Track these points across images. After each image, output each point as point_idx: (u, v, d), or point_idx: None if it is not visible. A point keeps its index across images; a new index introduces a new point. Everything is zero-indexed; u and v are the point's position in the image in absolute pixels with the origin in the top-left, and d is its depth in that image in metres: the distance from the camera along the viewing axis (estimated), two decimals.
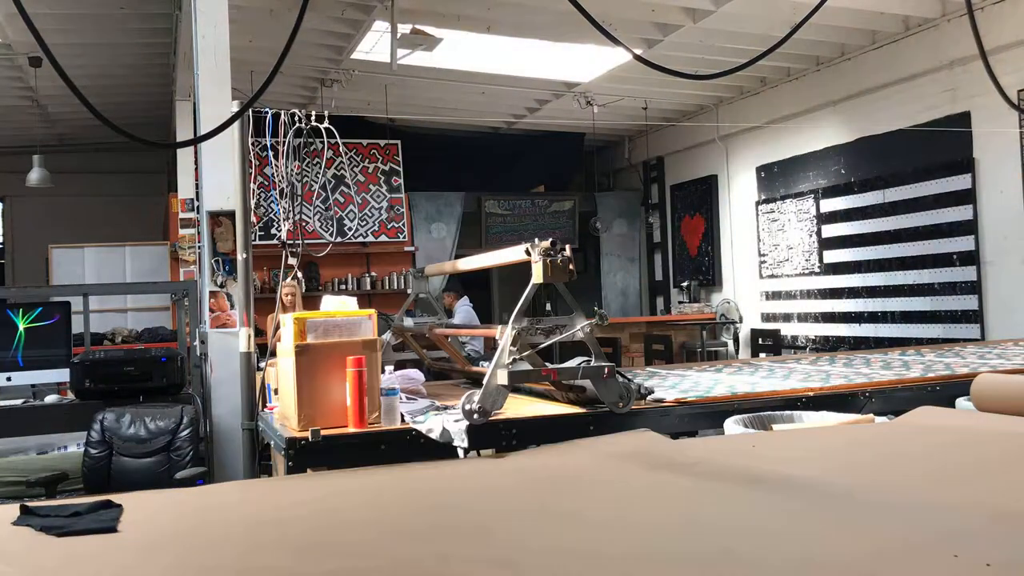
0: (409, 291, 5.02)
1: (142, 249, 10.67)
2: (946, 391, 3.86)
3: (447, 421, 3.11)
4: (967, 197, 7.49)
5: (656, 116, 11.04)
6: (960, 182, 7.56)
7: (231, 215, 4.48)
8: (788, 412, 3.53)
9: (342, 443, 3.01)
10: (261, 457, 3.96)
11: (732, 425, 3.38)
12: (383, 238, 10.81)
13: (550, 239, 3.20)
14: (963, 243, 7.53)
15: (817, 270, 9.27)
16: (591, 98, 9.88)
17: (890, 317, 8.30)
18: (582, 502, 2.27)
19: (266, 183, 5.14)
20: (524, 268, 3.29)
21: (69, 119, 10.35)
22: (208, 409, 4.69)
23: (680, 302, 11.56)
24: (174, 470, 4.27)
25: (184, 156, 9.11)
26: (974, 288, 7.43)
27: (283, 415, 3.36)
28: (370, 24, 7.49)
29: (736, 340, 10.68)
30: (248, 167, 4.13)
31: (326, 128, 4.39)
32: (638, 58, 4.26)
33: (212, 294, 4.80)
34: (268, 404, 3.80)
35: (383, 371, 3.30)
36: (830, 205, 9.09)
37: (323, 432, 2.95)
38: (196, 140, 4.62)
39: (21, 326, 5.10)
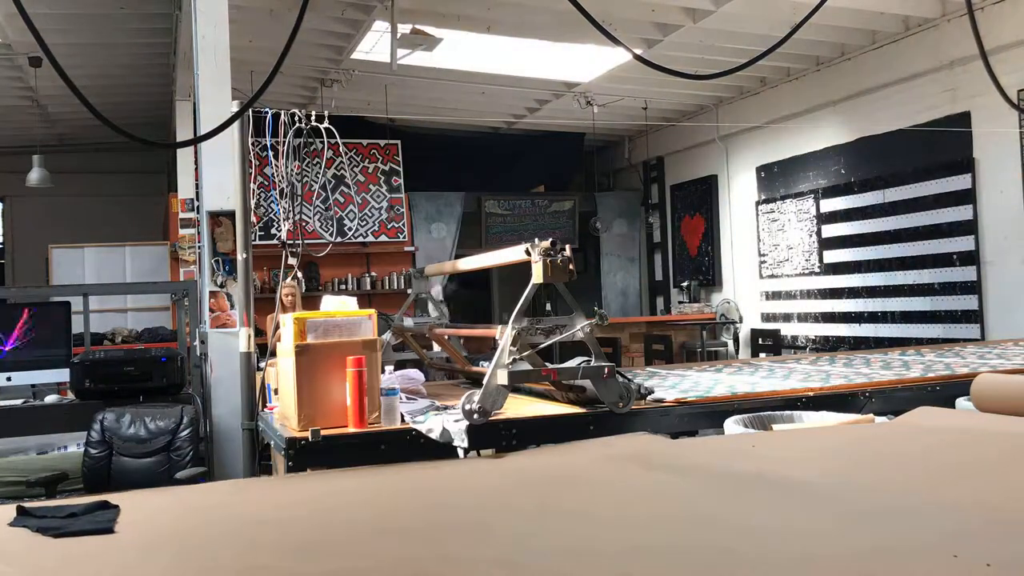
0: (409, 291, 5.02)
1: (142, 249, 10.67)
2: (946, 391, 3.86)
3: (447, 421, 3.11)
4: (967, 197, 7.49)
5: (656, 116, 11.04)
6: (960, 182, 7.56)
7: (231, 215, 4.48)
8: (788, 412, 3.53)
9: (342, 443, 3.01)
10: (261, 457, 3.96)
11: (732, 425, 3.38)
12: (383, 238, 10.81)
13: (550, 239, 3.20)
14: (963, 243, 7.53)
15: (817, 270, 9.27)
16: (591, 98, 9.88)
17: (890, 317, 8.30)
18: (582, 502, 2.27)
19: (266, 183, 5.15)
20: (524, 268, 3.29)
21: (69, 119, 10.35)
22: (208, 409, 4.69)
23: (680, 302, 11.56)
24: (174, 470, 4.27)
25: (184, 156, 9.11)
26: (974, 288, 7.43)
27: (283, 415, 3.36)
28: (370, 24, 7.49)
29: (736, 340, 10.68)
30: (248, 167, 4.13)
31: (326, 128, 4.40)
32: (638, 58, 4.26)
33: (212, 294, 4.80)
34: (268, 404, 3.80)
35: (383, 371, 3.30)
36: (830, 205, 9.09)
37: (323, 432, 2.95)
38: (196, 140, 4.62)
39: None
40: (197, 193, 8.24)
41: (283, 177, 4.44)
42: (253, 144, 4.37)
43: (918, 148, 7.93)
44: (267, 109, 4.31)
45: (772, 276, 10.04)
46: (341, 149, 9.91)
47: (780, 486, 2.29)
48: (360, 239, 10.68)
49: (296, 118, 4.33)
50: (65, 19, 7.35)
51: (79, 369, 4.86)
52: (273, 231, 9.13)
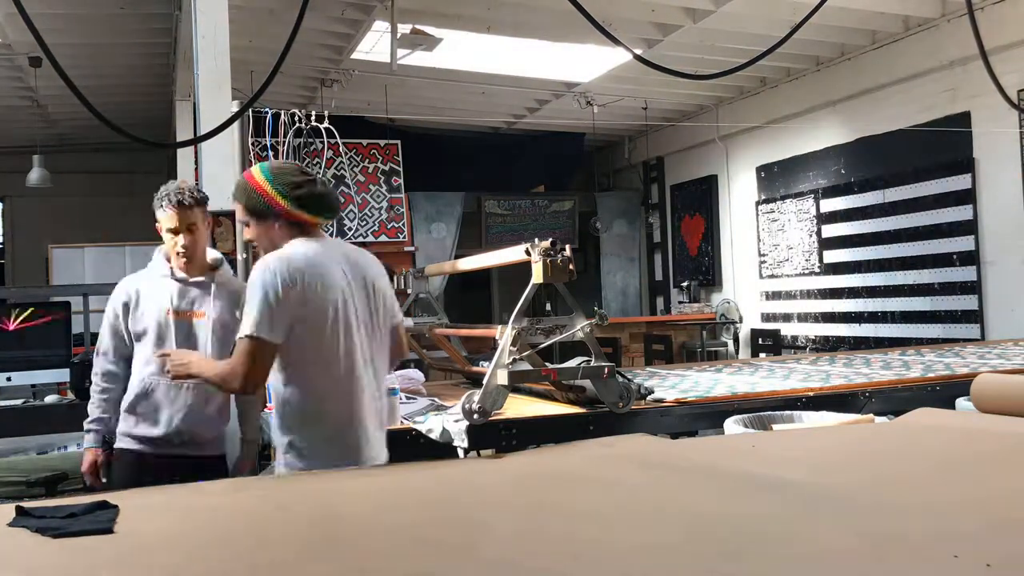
0: (409, 291, 5.02)
1: (142, 249, 10.65)
2: (946, 391, 3.86)
3: (447, 421, 3.11)
4: (967, 197, 7.49)
5: (656, 116, 11.04)
6: (960, 182, 7.56)
7: (231, 215, 4.48)
8: (788, 412, 3.53)
9: None
10: (261, 457, 3.95)
11: (732, 425, 3.38)
12: (383, 238, 10.81)
13: (550, 239, 3.20)
14: (963, 243, 7.53)
15: (817, 270, 9.28)
16: (591, 98, 9.88)
17: (890, 317, 8.30)
18: (582, 502, 2.27)
19: None
20: (524, 268, 3.29)
21: (69, 119, 10.35)
22: None
23: (680, 302, 11.56)
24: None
25: (184, 156, 9.09)
26: (974, 288, 7.43)
27: None
28: (370, 24, 7.49)
29: (736, 340, 10.68)
30: (248, 167, 4.13)
31: (326, 128, 4.41)
32: (638, 58, 4.27)
33: None
34: (268, 404, 3.79)
35: None
36: (830, 205, 9.09)
37: None
38: (196, 140, 4.62)
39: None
40: None
41: None
42: (253, 144, 4.37)
43: (918, 148, 7.93)
44: (267, 109, 4.32)
45: (772, 276, 10.04)
46: (341, 149, 9.91)
47: (780, 486, 2.29)
48: (360, 239, 10.67)
49: (296, 118, 4.34)
50: (65, 19, 7.34)
51: (79, 369, 4.85)
52: None
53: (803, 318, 9.56)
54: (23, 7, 2.62)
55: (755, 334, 10.26)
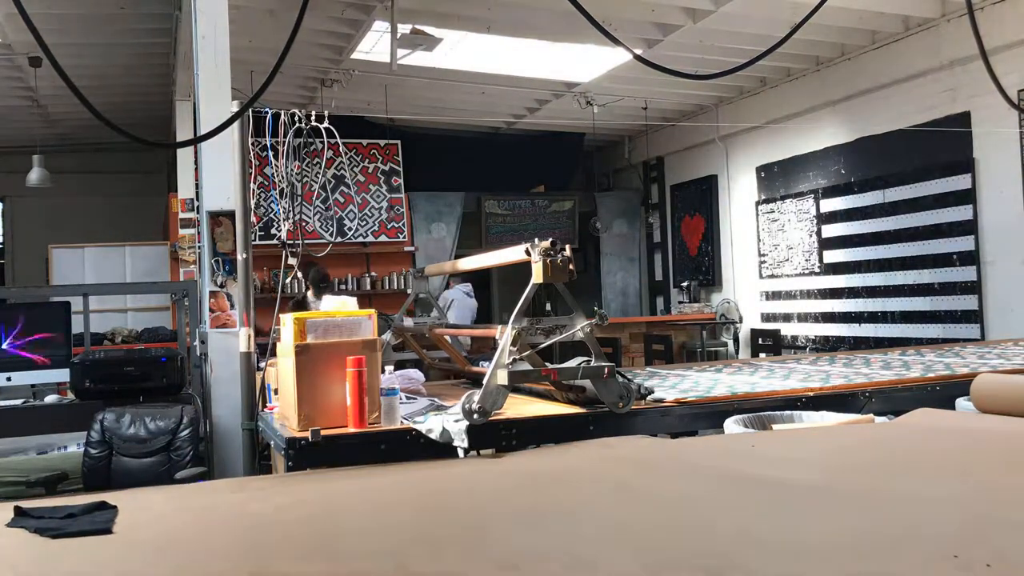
0: (409, 291, 5.02)
1: (142, 249, 10.67)
2: (946, 391, 3.86)
3: (447, 421, 3.11)
4: (967, 197, 7.49)
5: (656, 116, 11.04)
6: (960, 182, 7.56)
7: (231, 215, 4.48)
8: (788, 412, 3.53)
9: (342, 443, 3.01)
10: (261, 457, 3.96)
11: (732, 425, 3.38)
12: (383, 238, 10.81)
13: (550, 239, 3.20)
14: (963, 243, 7.53)
15: (817, 270, 9.27)
16: (591, 98, 9.88)
17: (890, 317, 8.30)
18: (582, 502, 2.27)
19: (266, 183, 5.14)
20: (524, 268, 3.29)
21: (69, 119, 10.35)
22: (208, 409, 4.69)
23: (680, 302, 11.56)
24: (174, 470, 4.27)
25: (184, 156, 9.11)
26: (974, 288, 7.43)
27: (283, 415, 3.36)
28: (370, 24, 7.49)
29: (736, 340, 10.68)
30: (248, 167, 4.13)
31: (326, 128, 4.40)
32: (638, 58, 4.26)
33: (212, 294, 4.80)
34: (268, 404, 3.80)
35: (383, 371, 3.30)
36: (830, 205, 9.09)
37: (323, 432, 2.95)
38: (196, 140, 4.62)
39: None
40: (197, 193, 8.24)
41: (283, 177, 4.44)
42: (253, 144, 4.37)
43: (918, 148, 7.93)
44: (267, 109, 4.31)
45: (772, 276, 10.04)
46: (341, 149, 9.91)
47: (779, 486, 2.29)
48: (360, 239, 10.68)
49: (296, 118, 4.33)
50: (65, 19, 7.34)
51: (79, 369, 4.86)
52: (273, 231, 9.12)
53: (803, 318, 9.56)
54: (23, 7, 2.62)
55: (755, 334, 10.25)
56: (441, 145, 11.51)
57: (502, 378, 3.13)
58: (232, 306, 4.75)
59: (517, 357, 3.18)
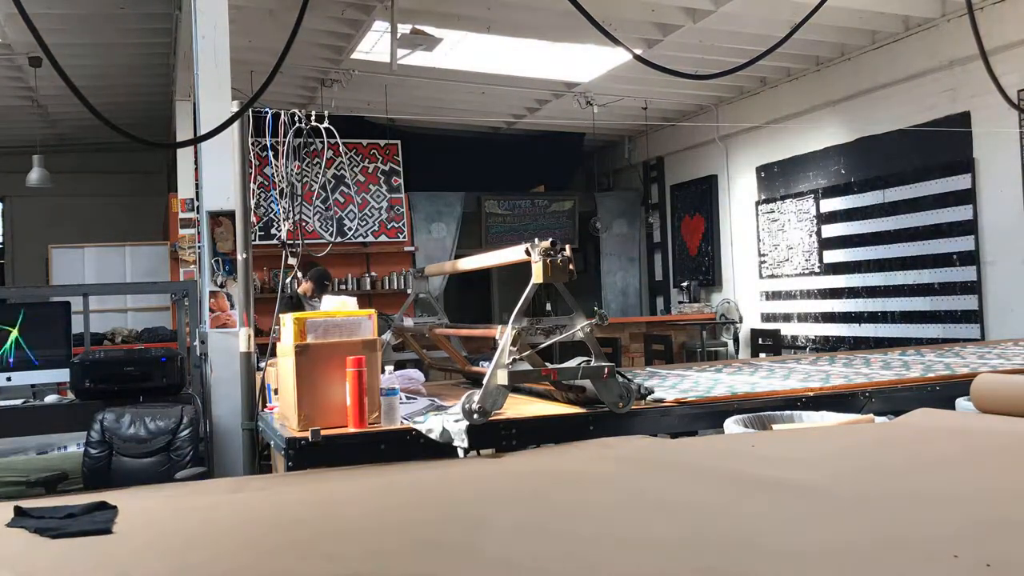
0: (409, 291, 5.02)
1: (142, 249, 10.67)
2: (946, 391, 3.86)
3: (447, 421, 3.11)
4: (967, 197, 7.49)
5: (656, 116, 11.04)
6: (960, 182, 7.56)
7: (231, 215, 4.48)
8: (788, 412, 3.53)
9: (342, 443, 3.01)
10: (261, 457, 3.96)
11: (732, 425, 3.38)
12: (383, 238, 10.81)
13: (550, 239, 3.20)
14: (963, 243, 7.53)
15: (817, 270, 9.28)
16: (591, 98, 9.88)
17: (890, 317, 8.30)
18: (582, 503, 2.27)
19: (266, 183, 5.14)
20: (524, 268, 3.29)
21: (69, 119, 10.35)
22: (208, 409, 4.69)
23: (680, 302, 11.56)
24: (174, 470, 4.27)
25: (184, 156, 9.11)
26: (974, 288, 7.43)
27: (283, 415, 3.36)
28: (370, 24, 7.49)
29: (736, 340, 10.68)
30: (248, 167, 4.13)
31: (326, 128, 4.40)
32: (638, 58, 4.26)
33: (212, 294, 4.80)
34: (268, 404, 3.80)
35: (383, 371, 3.30)
36: (830, 205, 9.09)
37: (323, 432, 2.95)
38: (196, 140, 4.61)
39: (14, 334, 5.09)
40: (197, 193, 8.24)
41: (283, 177, 4.44)
42: (253, 144, 4.37)
43: (918, 148, 7.93)
44: (267, 109, 4.31)
45: (772, 276, 10.04)
46: (341, 149, 9.91)
47: (779, 486, 2.29)
48: (360, 239, 10.68)
49: (296, 118, 4.33)
50: (65, 19, 7.34)
51: (79, 369, 4.85)
52: (273, 231, 9.13)
53: (803, 318, 9.56)
54: (23, 7, 2.62)
55: (755, 334, 10.25)
56: (441, 145, 11.51)
57: (502, 378, 3.13)
58: (232, 306, 4.75)
59: (517, 357, 3.18)
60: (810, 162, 9.38)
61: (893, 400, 3.82)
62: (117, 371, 4.87)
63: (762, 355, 9.46)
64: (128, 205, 12.14)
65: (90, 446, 4.41)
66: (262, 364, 4.06)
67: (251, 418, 3.90)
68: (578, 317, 3.32)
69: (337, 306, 3.47)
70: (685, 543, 1.84)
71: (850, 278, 8.80)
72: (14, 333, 5.08)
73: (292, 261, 4.38)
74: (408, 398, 3.61)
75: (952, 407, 3.63)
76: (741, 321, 10.59)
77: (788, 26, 4.46)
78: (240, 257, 4.12)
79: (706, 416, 3.59)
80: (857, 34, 8.19)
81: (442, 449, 3.04)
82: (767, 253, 10.11)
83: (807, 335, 9.48)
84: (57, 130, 10.89)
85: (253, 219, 4.50)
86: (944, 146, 7.60)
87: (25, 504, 2.19)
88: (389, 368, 3.57)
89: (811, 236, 9.35)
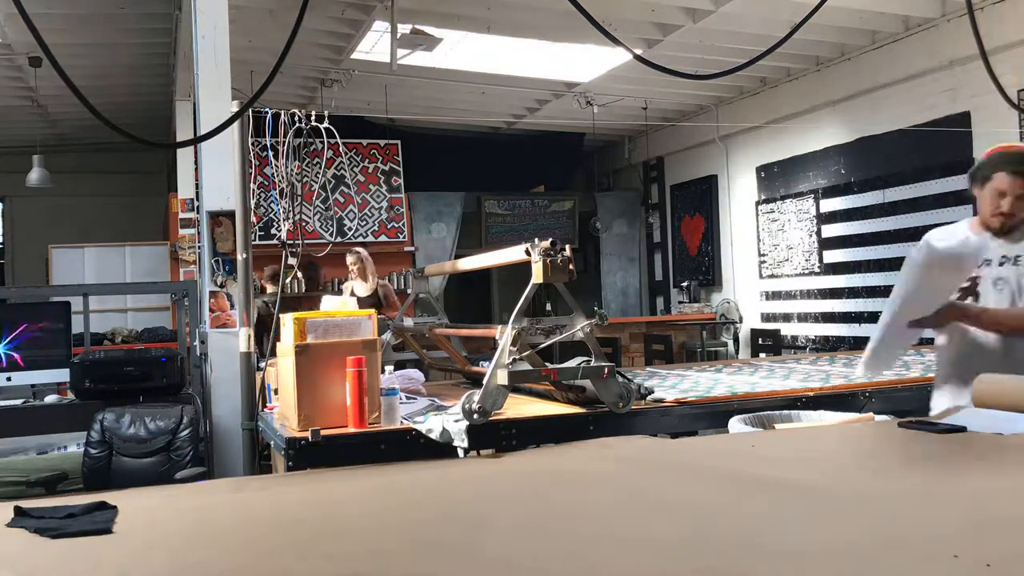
0: (409, 291, 5.02)
1: (142, 249, 10.67)
2: None
3: (447, 421, 3.11)
4: (967, 197, 7.48)
5: (656, 116, 11.04)
6: (960, 182, 7.56)
7: (231, 215, 4.48)
8: (788, 412, 3.53)
9: (342, 443, 3.01)
10: (261, 457, 3.96)
11: (736, 424, 3.38)
12: (383, 238, 10.81)
13: (550, 239, 3.20)
14: None
15: (817, 270, 9.27)
16: (591, 98, 9.88)
17: None
18: (582, 503, 2.27)
19: (266, 183, 5.15)
20: (524, 268, 3.29)
21: (69, 119, 10.35)
22: (208, 409, 4.69)
23: (680, 302, 11.56)
24: (174, 470, 4.27)
25: (184, 156, 9.11)
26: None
27: (283, 415, 3.36)
28: (370, 24, 7.49)
29: (736, 340, 10.68)
30: (248, 167, 4.13)
31: (326, 128, 4.40)
32: (638, 58, 4.26)
33: (212, 294, 4.80)
34: (268, 404, 3.80)
35: (383, 371, 3.30)
36: (830, 205, 9.09)
37: (323, 432, 2.95)
38: (196, 140, 4.62)
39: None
40: (197, 193, 8.24)
41: (283, 177, 4.44)
42: (253, 144, 4.37)
43: (918, 148, 7.93)
44: (267, 109, 4.31)
45: (772, 276, 10.04)
46: (341, 149, 9.91)
47: (779, 486, 2.29)
48: (360, 239, 10.67)
49: (296, 118, 4.33)
50: (65, 19, 7.35)
51: (79, 369, 4.85)
52: (273, 231, 9.13)
53: (803, 318, 9.55)
54: (23, 7, 2.62)
55: (755, 334, 10.25)
56: (441, 145, 11.51)
57: (502, 378, 3.13)
58: (232, 306, 4.75)
59: (517, 357, 3.18)
60: (810, 162, 9.38)
61: (893, 400, 3.82)
62: (117, 371, 4.88)
63: (762, 355, 9.46)
64: (128, 205, 12.14)
65: (90, 446, 4.41)
66: (262, 364, 4.06)
67: (251, 418, 3.90)
68: (578, 317, 3.32)
69: (337, 306, 3.47)
70: (685, 543, 1.84)
71: (850, 278, 8.80)
72: None
73: (292, 261, 4.38)
74: (408, 398, 3.61)
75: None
76: (741, 321, 10.59)
77: (788, 26, 4.46)
78: (240, 257, 4.12)
79: (706, 416, 3.59)
80: (857, 34, 8.19)
81: (442, 449, 3.04)
82: (767, 253, 10.11)
83: (807, 335, 9.47)
84: (57, 130, 10.89)
85: (253, 219, 4.50)
86: (944, 146, 7.60)
87: (25, 504, 2.19)
88: (389, 368, 3.57)
89: (811, 236, 9.35)
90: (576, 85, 9.62)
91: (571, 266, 3.17)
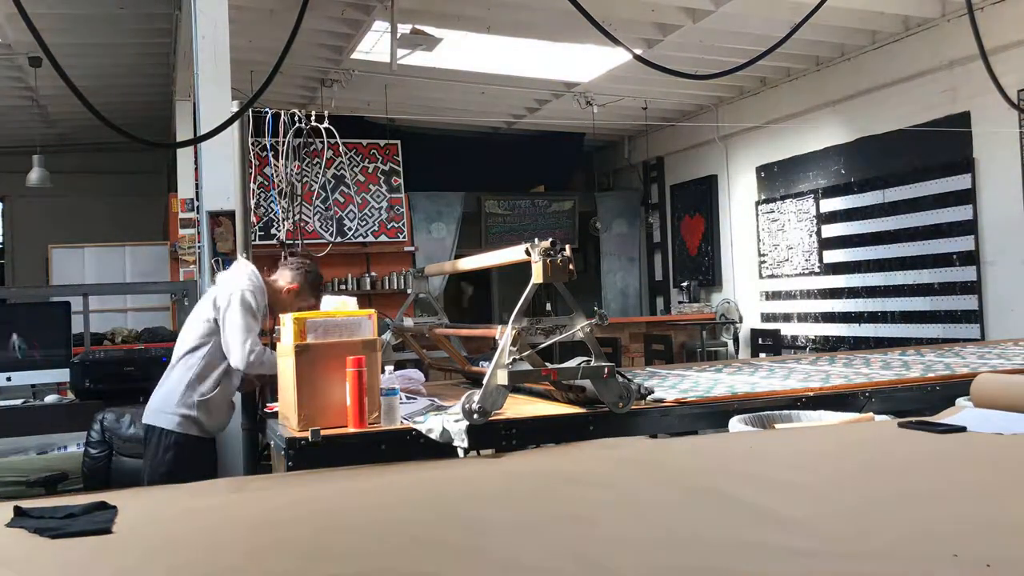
0: (409, 291, 5.02)
1: (142, 249, 10.67)
2: (946, 391, 3.85)
3: (447, 421, 3.11)
4: (967, 197, 7.49)
5: (656, 116, 11.04)
6: (960, 182, 7.56)
7: (231, 215, 4.48)
8: (788, 412, 3.53)
9: (342, 443, 3.00)
10: (261, 457, 3.96)
11: (736, 424, 3.38)
12: (383, 238, 10.81)
13: (550, 239, 3.20)
14: (963, 243, 7.53)
15: (817, 270, 9.27)
16: (591, 98, 9.88)
17: (890, 317, 8.30)
18: (582, 503, 2.27)
19: (266, 183, 5.14)
20: (524, 268, 3.29)
21: (69, 119, 10.35)
22: None
23: (680, 302, 11.56)
24: None
25: (184, 156, 9.11)
26: (974, 288, 7.43)
27: (283, 415, 3.36)
28: (370, 24, 7.49)
29: (736, 340, 10.68)
30: (248, 167, 4.13)
31: (326, 128, 4.41)
32: (638, 58, 4.26)
33: None
34: (268, 404, 3.80)
35: (383, 371, 3.30)
36: (830, 205, 9.09)
37: (323, 432, 2.95)
38: (196, 140, 4.61)
39: None
40: (197, 193, 8.23)
41: (283, 177, 4.44)
42: (253, 144, 4.37)
43: (918, 148, 7.93)
44: (267, 109, 4.32)
45: (772, 276, 10.04)
46: (341, 149, 9.91)
47: (780, 486, 2.29)
48: (360, 239, 10.68)
49: (296, 118, 4.34)
50: (65, 19, 7.35)
51: (79, 369, 4.85)
52: (273, 231, 9.12)
53: (803, 318, 9.56)
54: (23, 7, 2.62)
55: (755, 334, 10.25)
56: (441, 145, 11.51)
57: (502, 378, 3.13)
58: None
59: (517, 357, 3.18)
60: (810, 162, 9.38)
61: (893, 400, 3.82)
62: (117, 371, 4.88)
63: (762, 355, 9.46)
64: (128, 205, 12.13)
65: (90, 446, 4.41)
66: None
67: (251, 418, 3.90)
68: (578, 317, 3.32)
69: (337, 306, 3.47)
70: (685, 543, 1.84)
71: (850, 278, 8.80)
72: None
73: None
74: (408, 398, 3.61)
75: (952, 407, 3.62)
76: (741, 321, 10.59)
77: (788, 26, 4.47)
78: (240, 257, 4.12)
79: (706, 416, 3.59)
80: (857, 34, 8.19)
81: (442, 449, 3.04)
82: (767, 253, 10.11)
83: (807, 335, 9.48)
84: (57, 130, 10.89)
85: (253, 219, 4.50)
86: (944, 146, 7.60)
87: (25, 504, 2.19)
88: (389, 368, 3.57)
89: (811, 236, 9.35)
90: (576, 85, 9.62)
91: (571, 266, 3.17)
